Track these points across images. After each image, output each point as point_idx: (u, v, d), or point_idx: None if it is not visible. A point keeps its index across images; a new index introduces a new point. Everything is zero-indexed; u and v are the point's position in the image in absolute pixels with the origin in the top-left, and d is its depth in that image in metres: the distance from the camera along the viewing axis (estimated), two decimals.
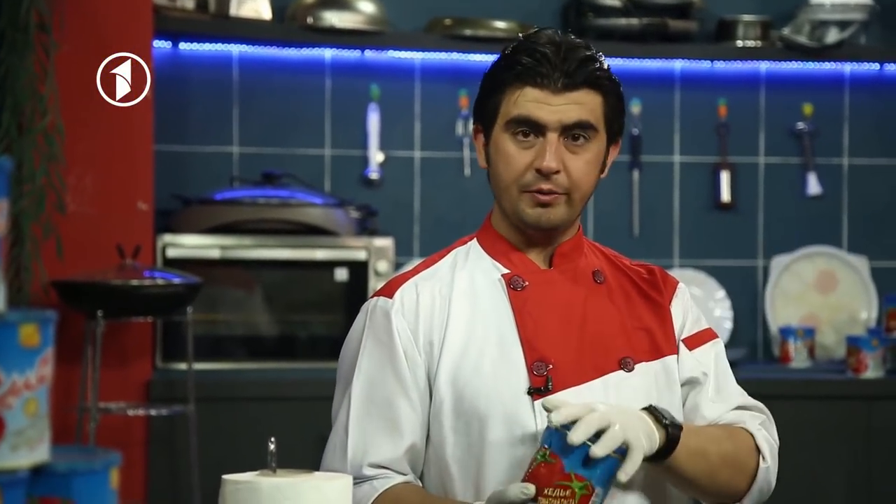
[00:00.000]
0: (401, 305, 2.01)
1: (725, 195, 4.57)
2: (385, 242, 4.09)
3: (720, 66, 4.56)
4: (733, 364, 2.16)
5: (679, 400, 2.05)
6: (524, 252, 2.05)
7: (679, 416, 2.03)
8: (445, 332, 2.00)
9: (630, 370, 2.00)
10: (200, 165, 4.33)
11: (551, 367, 1.97)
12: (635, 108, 4.53)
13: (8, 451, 1.22)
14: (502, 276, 2.03)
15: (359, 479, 1.95)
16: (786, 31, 4.48)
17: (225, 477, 1.68)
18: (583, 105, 1.97)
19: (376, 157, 4.40)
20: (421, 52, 4.41)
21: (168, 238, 3.99)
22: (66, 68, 3.63)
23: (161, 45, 4.21)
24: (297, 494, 1.63)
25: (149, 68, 3.74)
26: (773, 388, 3.95)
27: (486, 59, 4.27)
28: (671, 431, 1.88)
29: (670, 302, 2.09)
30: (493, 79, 2.02)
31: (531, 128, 1.97)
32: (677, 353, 2.07)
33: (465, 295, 2.02)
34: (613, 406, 1.85)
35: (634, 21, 4.37)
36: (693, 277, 4.49)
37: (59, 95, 3.55)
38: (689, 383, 2.06)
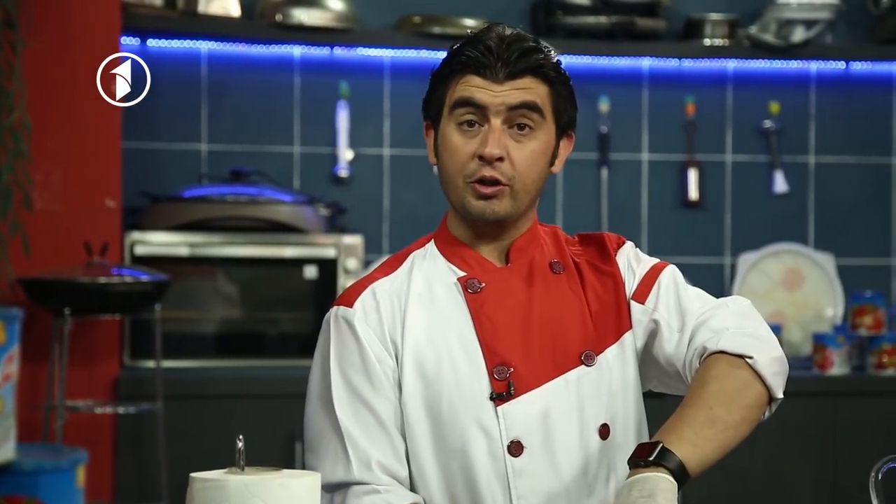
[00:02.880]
0: (363, 313, 1.99)
1: (693, 193, 4.58)
2: (354, 240, 4.09)
3: (688, 64, 4.58)
4: None
5: (634, 371, 2.01)
6: (478, 250, 2.03)
7: (636, 382, 2.01)
8: (403, 336, 1.98)
9: (592, 363, 1.98)
10: (169, 163, 4.32)
11: (512, 370, 1.95)
12: (603, 106, 4.54)
13: None
14: (458, 279, 2.01)
15: (368, 483, 1.92)
16: (753, 29, 4.50)
17: (193, 475, 1.68)
18: (527, 90, 1.97)
19: (346, 154, 4.40)
20: (390, 50, 4.41)
21: (136, 235, 3.98)
22: (33, 65, 3.61)
23: (129, 42, 4.20)
24: (265, 492, 1.63)
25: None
26: None
27: None
28: (676, 471, 1.77)
29: (617, 263, 2.05)
30: (438, 73, 2.02)
31: (475, 112, 1.96)
32: (630, 322, 2.02)
33: (420, 299, 2.00)
34: (643, 492, 1.75)
35: (603, 19, 4.39)
36: None
37: (26, 92, 3.53)
38: (650, 335, 2.02)
